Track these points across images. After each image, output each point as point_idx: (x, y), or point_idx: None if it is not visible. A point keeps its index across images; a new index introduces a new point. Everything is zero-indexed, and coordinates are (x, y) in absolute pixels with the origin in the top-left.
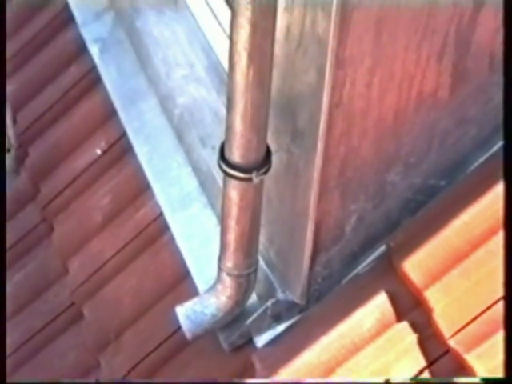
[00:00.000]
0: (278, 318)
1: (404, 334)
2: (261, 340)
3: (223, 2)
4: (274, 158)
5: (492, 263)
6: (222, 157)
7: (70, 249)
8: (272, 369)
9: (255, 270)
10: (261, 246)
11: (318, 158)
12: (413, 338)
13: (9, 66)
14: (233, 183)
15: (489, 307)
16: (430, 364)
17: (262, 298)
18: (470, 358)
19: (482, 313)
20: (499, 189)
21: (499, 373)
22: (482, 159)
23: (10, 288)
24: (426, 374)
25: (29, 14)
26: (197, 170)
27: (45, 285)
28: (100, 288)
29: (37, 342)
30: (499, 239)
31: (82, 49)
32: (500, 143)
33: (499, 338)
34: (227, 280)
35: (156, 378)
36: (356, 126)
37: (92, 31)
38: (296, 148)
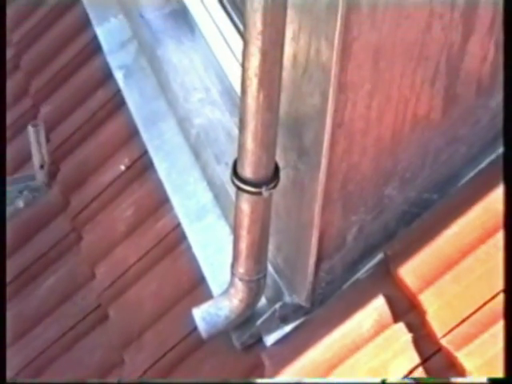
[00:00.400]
0: (285, 320)
1: (400, 334)
2: (270, 339)
3: (236, 32)
4: (282, 174)
5: (480, 269)
6: (235, 172)
7: (97, 256)
8: (280, 366)
9: (264, 276)
10: (270, 254)
11: (322, 173)
12: (408, 337)
13: (44, 91)
14: (244, 197)
15: (478, 309)
16: (424, 361)
17: (271, 301)
18: (461, 356)
19: (471, 314)
20: (487, 201)
21: (487, 369)
22: (471, 175)
23: (42, 291)
24: (420, 371)
25: (62, 43)
26: (211, 184)
27: (74, 288)
28: (124, 291)
29: (67, 340)
30: (487, 247)
31: (108, 75)
32: (487, 160)
33: (487, 337)
34: (239, 284)
35: (174, 374)
36: (356, 144)
37: (117, 59)
38: (302, 164)
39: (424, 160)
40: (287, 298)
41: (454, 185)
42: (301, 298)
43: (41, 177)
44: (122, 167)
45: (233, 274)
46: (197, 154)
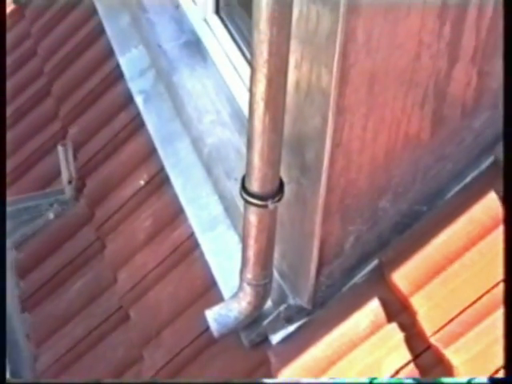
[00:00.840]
0: (289, 320)
1: (393, 333)
2: (275, 338)
3: (244, 60)
4: (286, 189)
5: (466, 274)
6: (243, 187)
7: (119, 262)
8: (284, 362)
9: (270, 281)
10: (275, 261)
11: (322, 188)
12: (400, 336)
13: (72, 114)
14: (252, 209)
15: (464, 310)
16: (415, 358)
17: (276, 304)
18: (448, 353)
19: (457, 315)
20: (471, 213)
21: (472, 365)
22: (457, 189)
23: (70, 294)
24: (411, 366)
25: (88, 71)
26: (222, 197)
27: (98, 292)
28: (143, 294)
29: (93, 338)
30: (472, 254)
31: (129, 99)
32: (471, 175)
33: (473, 335)
34: (247, 289)
35: (189, 369)
36: (353, 162)
37: (137, 85)
38: (304, 180)
39: (415, 176)
40: (291, 301)
41: (442, 198)
42: (303, 301)
43: (69, 191)
44: (142, 182)
45: (241, 279)
46: (209, 171)
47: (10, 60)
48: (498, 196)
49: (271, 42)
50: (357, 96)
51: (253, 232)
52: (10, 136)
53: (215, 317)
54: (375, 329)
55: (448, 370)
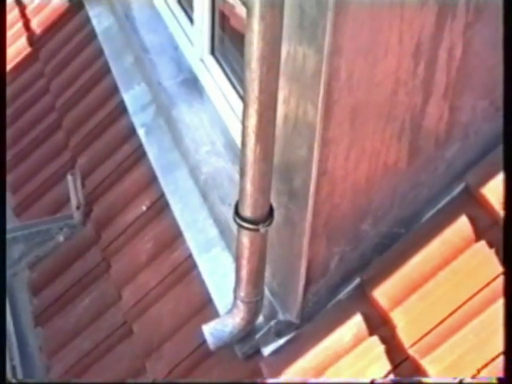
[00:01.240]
0: (279, 334)
1: (374, 345)
2: (266, 350)
3: (237, 96)
4: (276, 213)
5: (440, 291)
6: (236, 212)
7: (123, 281)
8: (275, 372)
9: (262, 298)
10: (266, 279)
11: (309, 212)
12: (381, 348)
13: (80, 145)
14: (244, 232)
15: (438, 324)
16: (394, 368)
17: (267, 319)
18: (425, 363)
19: (433, 328)
20: (445, 235)
21: (447, 373)
22: (431, 213)
23: (79, 310)
24: (391, 376)
25: (95, 106)
26: (217, 221)
27: (104, 308)
28: (145, 310)
29: (100, 351)
30: (445, 273)
31: (132, 132)
32: (444, 201)
33: (447, 347)
34: (241, 305)
35: (187, 379)
36: (337, 188)
37: (140, 119)
38: (292, 205)
39: (393, 201)
40: (281, 316)
41: (418, 221)
42: (292, 316)
43: (77, 216)
44: (144, 208)
45: (235, 297)
46: (205, 197)
47: (25, 96)
48: (469, 219)
49: (261, 80)
50: (340, 129)
51: (245, 253)
52: (24, 165)
53: (211, 331)
54: (358, 341)
55: None
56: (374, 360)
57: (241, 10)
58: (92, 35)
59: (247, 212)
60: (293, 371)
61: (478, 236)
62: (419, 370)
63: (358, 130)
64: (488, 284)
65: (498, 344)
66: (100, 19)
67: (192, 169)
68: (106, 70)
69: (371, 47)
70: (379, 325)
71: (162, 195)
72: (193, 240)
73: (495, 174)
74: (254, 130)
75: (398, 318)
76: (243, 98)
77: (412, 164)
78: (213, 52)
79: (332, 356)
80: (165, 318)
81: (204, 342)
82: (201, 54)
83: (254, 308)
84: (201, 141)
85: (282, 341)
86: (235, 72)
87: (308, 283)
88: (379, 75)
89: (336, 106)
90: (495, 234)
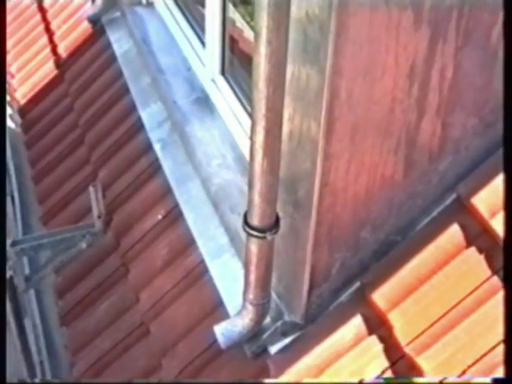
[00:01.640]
0: (285, 334)
1: (373, 344)
2: (273, 349)
3: (245, 113)
4: (282, 222)
5: (434, 293)
6: (245, 221)
7: (141, 285)
8: (281, 369)
9: (269, 300)
10: (273, 283)
11: (312, 222)
12: (379, 347)
13: (101, 159)
14: (253, 240)
15: (432, 324)
16: (392, 365)
17: (274, 320)
18: (420, 360)
19: (427, 328)
20: (438, 242)
21: (440, 370)
22: (425, 221)
23: (99, 312)
24: (388, 372)
25: (115, 123)
26: (227, 229)
27: (123, 310)
28: (161, 312)
29: (119, 350)
30: (439, 277)
31: (149, 146)
32: (438, 210)
33: (440, 345)
34: (249, 307)
35: (200, 376)
36: (339, 199)
37: (156, 134)
38: (297, 215)
39: (390, 210)
40: (286, 317)
41: (413, 229)
42: (297, 317)
43: (99, 225)
44: (159, 217)
45: (244, 300)
46: (216, 206)
47: (52, 114)
48: (460, 227)
49: (268, 99)
50: (341, 144)
51: (253, 259)
52: (50, 178)
53: (222, 331)
54: (358, 341)
55: (420, 375)
56: (373, 358)
57: (249, 34)
58: (112, 58)
59: (255, 221)
60: (298, 368)
61: (469, 243)
62: (414, 367)
63: (358, 145)
64: (478, 287)
65: (488, 342)
66: (120, 43)
67: (204, 180)
68: (125, 90)
69: (369, 68)
70: (378, 325)
71: (177, 205)
72: (205, 247)
73: (484, 186)
74: (262, 146)
75: (395, 318)
76: (251, 116)
77: (407, 176)
78: (223, 73)
79: (334, 354)
80: (179, 319)
81: (215, 341)
82: (212, 74)
83: (261, 310)
84: (212, 155)
85: (287, 340)
86: (244, 91)
87: (311, 287)
88: (377, 94)
89: (337, 122)
90: (484, 241)
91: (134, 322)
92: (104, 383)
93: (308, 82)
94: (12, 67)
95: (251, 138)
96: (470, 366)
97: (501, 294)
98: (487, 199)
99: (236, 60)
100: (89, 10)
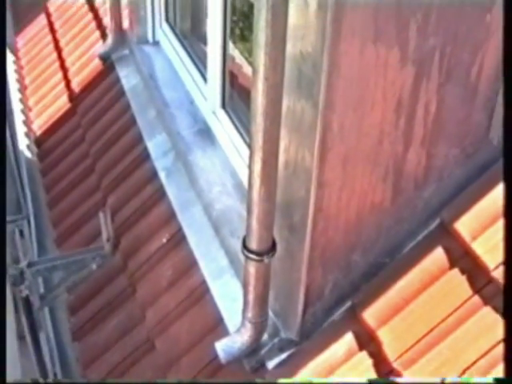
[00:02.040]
0: (282, 350)
1: (364, 359)
2: (271, 364)
3: (244, 144)
4: (278, 246)
5: (420, 312)
6: (244, 245)
7: (147, 303)
8: None
9: (266, 319)
10: (270, 302)
11: (307, 245)
12: (369, 362)
13: (110, 186)
14: (251, 263)
15: (418, 341)
16: None
17: (271, 336)
18: (407, 374)
19: (414, 344)
20: (423, 264)
21: None
22: (411, 245)
23: (109, 328)
24: None
25: (123, 152)
26: (228, 252)
27: (131, 327)
28: (166, 329)
29: (127, 364)
30: (424, 297)
31: (154, 174)
32: (423, 234)
33: (425, 361)
34: (248, 325)
35: None
36: (331, 224)
37: (161, 163)
38: (292, 239)
39: (379, 234)
40: (283, 334)
41: (400, 252)
42: (293, 334)
43: (108, 247)
44: (164, 240)
45: (243, 318)
46: (217, 230)
47: (65, 145)
48: (444, 250)
49: (265, 131)
50: (333, 173)
51: (252, 281)
52: (64, 203)
53: (223, 347)
54: (349, 356)
55: None
56: (364, 372)
57: (247, 70)
58: (121, 92)
59: (253, 245)
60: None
61: (452, 264)
62: None
63: (349, 174)
64: (460, 306)
65: (470, 357)
66: (128, 79)
67: (206, 206)
68: (132, 122)
69: (359, 103)
70: (368, 342)
71: (180, 229)
72: (206, 268)
73: (466, 211)
74: (259, 175)
75: (383, 335)
76: (250, 147)
77: (395, 203)
78: (223, 106)
79: (327, 369)
80: (183, 336)
81: (216, 356)
82: (213, 107)
83: (259, 327)
84: (213, 182)
85: (284, 355)
86: (243, 123)
87: (306, 306)
88: (366, 127)
89: (329, 153)
90: (466, 263)
91: (140, 337)
92: (127, 383)
93: (302, 116)
94: (30, 101)
95: (249, 168)
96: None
97: (481, 313)
98: (469, 224)
99: (235, 94)
100: (100, 48)
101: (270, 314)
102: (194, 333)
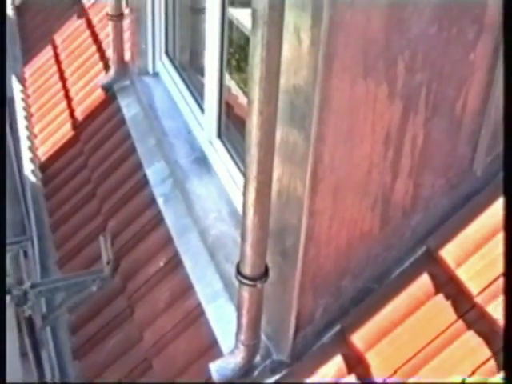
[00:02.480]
0: (273, 371)
1: (352, 382)
2: None
3: (239, 172)
4: (271, 272)
5: (406, 336)
6: (238, 271)
7: (145, 324)
8: None
9: (259, 341)
10: (262, 326)
11: (298, 271)
12: None
13: (111, 210)
14: (244, 288)
15: (405, 363)
16: None
17: (263, 358)
18: None
19: (400, 367)
20: (410, 290)
21: None
22: (398, 271)
23: (108, 348)
24: None
25: (123, 179)
26: (222, 276)
27: (129, 347)
28: (163, 349)
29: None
30: (410, 321)
31: (153, 200)
32: (409, 261)
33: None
34: (241, 347)
35: None
36: (322, 251)
37: (159, 190)
38: (284, 265)
39: (367, 261)
40: (275, 356)
41: (388, 278)
42: (284, 356)
43: (107, 270)
44: (162, 264)
45: (237, 340)
46: (212, 255)
47: (68, 170)
48: (430, 276)
49: (259, 162)
50: (324, 202)
51: (245, 305)
52: (66, 227)
53: (217, 368)
54: (338, 378)
55: None
56: None
57: (243, 100)
58: (122, 121)
59: (247, 271)
60: None
61: (437, 290)
62: None
63: (339, 203)
64: (445, 330)
65: (454, 379)
66: (129, 108)
67: (201, 232)
68: (132, 150)
69: (349, 135)
70: (356, 364)
71: (177, 253)
72: (202, 291)
73: (451, 239)
74: (253, 204)
75: (371, 358)
76: (244, 176)
77: (383, 231)
78: (219, 135)
79: None
80: (179, 356)
81: (211, 377)
82: (209, 137)
83: (252, 349)
84: (209, 209)
85: (276, 377)
86: (238, 152)
87: (297, 329)
88: (356, 158)
89: (321, 183)
90: (451, 289)
91: (138, 357)
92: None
93: (295, 147)
94: (35, 128)
95: (244, 197)
96: None
97: (465, 336)
98: (453, 251)
99: (231, 124)
100: (103, 78)
101: (263, 336)
102: (190, 354)
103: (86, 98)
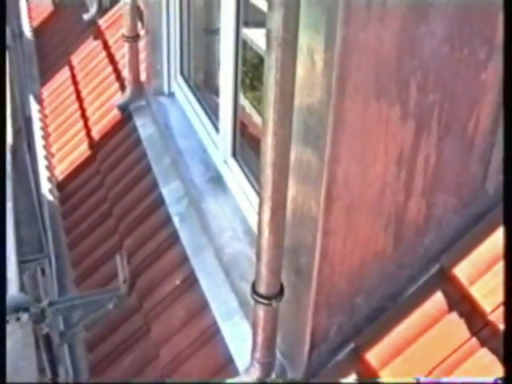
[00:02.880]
0: None
1: None
2: None
3: (254, 191)
4: (286, 290)
5: (420, 353)
6: (253, 290)
7: (160, 342)
8: None
9: (274, 359)
10: (277, 344)
11: (313, 290)
12: None
13: (127, 229)
14: (259, 306)
15: None
16: None
17: (278, 376)
18: None
19: None
20: (424, 307)
21: None
22: (412, 289)
23: (125, 365)
24: None
25: (139, 199)
26: (237, 294)
27: (145, 364)
28: (179, 367)
29: None
30: (424, 339)
31: (168, 219)
32: (423, 279)
33: None
34: (256, 365)
35: None
36: (336, 270)
37: (175, 209)
38: (299, 284)
39: (381, 280)
40: (289, 374)
41: (402, 296)
42: (299, 374)
43: (124, 288)
44: (178, 282)
45: (252, 358)
46: (227, 274)
47: (84, 190)
48: (443, 294)
49: (274, 183)
50: (338, 222)
51: (260, 323)
52: (83, 245)
53: None
54: None
55: None
56: None
57: (257, 119)
58: (138, 141)
59: (262, 290)
60: None
61: (451, 308)
62: None
63: (353, 223)
64: (459, 348)
65: None
66: (145, 128)
67: (217, 250)
68: (148, 169)
69: (363, 156)
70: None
71: (193, 272)
72: (217, 310)
73: (464, 257)
74: (268, 223)
75: (386, 376)
76: (259, 196)
77: (396, 249)
78: (234, 155)
79: None
80: (194, 374)
81: None
82: (224, 156)
83: (267, 367)
84: (224, 228)
85: None
86: (252, 171)
87: (312, 347)
88: (369, 178)
89: (335, 203)
90: (465, 307)
91: (154, 375)
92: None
93: (309, 167)
94: (52, 148)
95: (259, 216)
96: None
97: (478, 354)
98: (467, 269)
99: (245, 143)
100: (119, 99)
101: (278, 354)
102: (205, 371)
103: (103, 117)
